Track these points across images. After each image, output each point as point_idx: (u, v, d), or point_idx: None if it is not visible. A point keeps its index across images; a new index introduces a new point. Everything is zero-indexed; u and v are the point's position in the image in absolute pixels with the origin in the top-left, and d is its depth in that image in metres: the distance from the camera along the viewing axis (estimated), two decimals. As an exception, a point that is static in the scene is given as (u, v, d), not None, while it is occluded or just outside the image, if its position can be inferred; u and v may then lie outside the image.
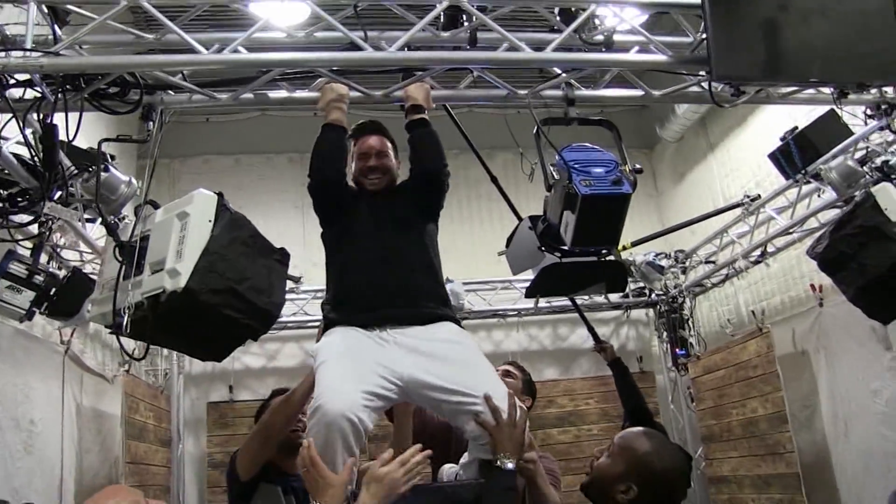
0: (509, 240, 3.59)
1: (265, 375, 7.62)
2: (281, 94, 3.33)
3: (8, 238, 3.47)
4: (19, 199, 3.27)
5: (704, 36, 3.16)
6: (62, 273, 4.06)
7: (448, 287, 3.16)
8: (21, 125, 2.91)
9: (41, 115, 2.93)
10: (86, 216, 3.63)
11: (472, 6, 3.24)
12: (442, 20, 3.32)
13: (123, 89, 3.03)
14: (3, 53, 2.74)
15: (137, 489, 1.87)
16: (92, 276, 4.22)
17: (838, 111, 4.31)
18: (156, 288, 2.51)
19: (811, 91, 3.77)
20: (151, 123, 3.08)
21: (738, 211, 6.38)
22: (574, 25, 3.27)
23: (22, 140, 3.01)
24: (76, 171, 3.34)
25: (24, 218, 3.40)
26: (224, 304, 2.56)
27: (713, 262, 7.12)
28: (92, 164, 3.33)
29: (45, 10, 2.95)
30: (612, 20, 3.43)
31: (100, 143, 3.10)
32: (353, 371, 2.44)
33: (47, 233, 3.73)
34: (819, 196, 5.36)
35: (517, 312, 7.88)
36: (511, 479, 2.36)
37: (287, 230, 6.77)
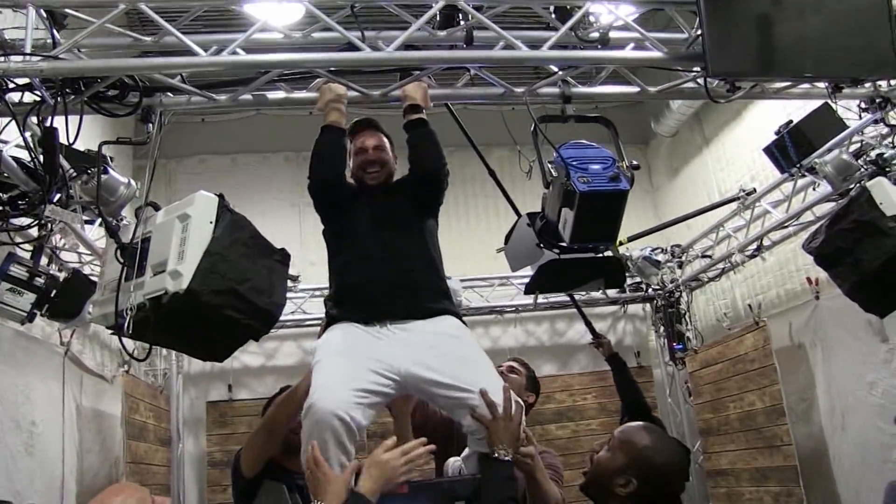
0: (508, 237, 3.60)
1: (264, 374, 7.64)
2: (279, 94, 3.34)
3: (8, 241, 3.48)
4: (20, 202, 3.27)
5: (699, 32, 3.18)
6: (62, 275, 4.07)
7: (447, 283, 3.18)
8: (21, 129, 2.92)
9: (40, 119, 2.94)
10: (84, 218, 3.64)
11: (469, 5, 3.25)
12: (438, 19, 3.33)
13: (122, 92, 3.04)
14: (2, 58, 2.75)
15: (143, 487, 1.89)
16: (91, 278, 4.23)
17: (833, 105, 4.33)
18: (158, 289, 2.53)
19: (806, 86, 3.79)
20: (151, 125, 3.09)
21: (733, 205, 6.41)
22: (570, 23, 3.28)
23: (20, 143, 3.02)
24: (75, 174, 3.35)
25: (24, 220, 3.41)
26: (225, 304, 2.58)
27: (709, 257, 7.14)
28: (90, 166, 3.34)
29: (44, 14, 2.95)
30: (608, 17, 3.44)
31: (100, 146, 3.11)
32: (347, 369, 2.46)
33: (47, 235, 3.73)
34: (814, 189, 5.38)
35: (515, 309, 7.89)
36: (509, 469, 2.40)
37: (284, 229, 6.79)
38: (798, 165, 4.94)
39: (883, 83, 3.85)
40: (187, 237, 2.56)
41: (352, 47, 3.13)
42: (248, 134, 7.92)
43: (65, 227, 3.86)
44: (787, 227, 5.87)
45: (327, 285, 2.92)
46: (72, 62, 2.90)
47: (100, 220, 3.35)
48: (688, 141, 8.18)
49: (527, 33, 3.42)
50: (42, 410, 4.66)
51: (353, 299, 2.71)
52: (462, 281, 7.02)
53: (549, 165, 3.08)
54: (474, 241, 7.62)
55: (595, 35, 3.37)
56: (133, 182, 3.63)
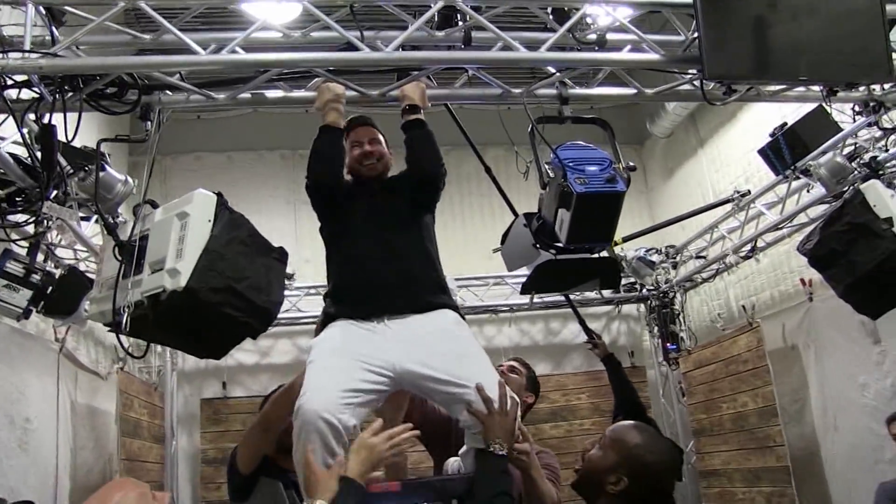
0: (504, 237, 3.61)
1: (258, 372, 7.65)
2: (278, 93, 3.35)
3: (4, 237, 3.48)
4: (17, 199, 3.27)
5: (696, 35, 3.19)
6: (58, 271, 4.07)
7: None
8: (19, 125, 2.92)
9: (38, 116, 2.95)
10: (80, 215, 3.64)
11: (467, 6, 3.26)
12: (436, 20, 3.34)
13: (121, 89, 3.04)
14: (1, 55, 2.75)
15: (144, 483, 1.91)
16: (87, 275, 4.23)
17: (827, 108, 4.36)
18: (156, 287, 2.54)
19: (801, 89, 3.81)
20: (149, 123, 3.09)
21: (728, 206, 6.44)
22: (568, 25, 3.30)
23: (18, 140, 3.02)
24: (72, 171, 3.35)
25: (20, 217, 3.41)
26: (223, 302, 2.58)
27: (704, 258, 7.18)
28: (87, 163, 3.34)
29: (43, 12, 2.95)
30: (605, 19, 3.46)
31: (98, 143, 3.12)
32: (338, 370, 2.47)
33: (44, 231, 3.73)
34: (808, 192, 5.41)
35: (509, 308, 7.91)
36: (503, 464, 2.42)
37: (279, 227, 6.81)
38: (792, 167, 4.97)
39: (877, 87, 3.86)
40: (186, 235, 2.56)
41: (350, 47, 3.14)
42: (244, 131, 7.92)
43: (61, 223, 3.86)
44: (781, 228, 5.91)
45: (322, 283, 2.94)
46: (71, 59, 2.90)
47: (96, 216, 3.35)
48: (683, 142, 8.21)
49: (525, 34, 3.43)
50: (36, 407, 4.66)
51: (350, 296, 2.72)
52: (457, 280, 7.03)
53: (546, 166, 3.09)
54: (469, 241, 7.63)
55: (592, 37, 3.39)
56: (130, 179, 3.64)
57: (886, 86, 3.82)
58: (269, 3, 3.35)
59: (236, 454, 2.98)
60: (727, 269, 6.94)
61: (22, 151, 3.16)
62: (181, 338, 2.91)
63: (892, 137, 4.54)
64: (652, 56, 3.38)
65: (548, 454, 3.11)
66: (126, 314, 2.57)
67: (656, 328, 8.03)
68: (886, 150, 4.51)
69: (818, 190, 5.04)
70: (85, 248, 4.64)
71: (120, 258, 2.71)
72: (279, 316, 3.00)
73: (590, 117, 3.51)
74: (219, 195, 2.68)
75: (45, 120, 2.96)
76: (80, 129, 3.04)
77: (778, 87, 3.77)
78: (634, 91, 3.67)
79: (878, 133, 4.45)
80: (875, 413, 5.28)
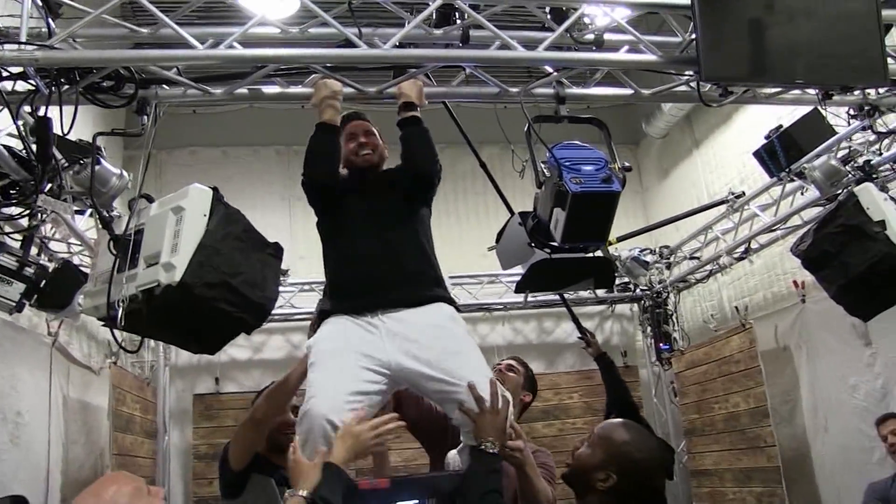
0: (499, 235, 3.62)
1: (251, 368, 7.65)
2: (275, 89, 3.34)
3: (-2, 230, 3.48)
4: (11, 192, 3.26)
5: (693, 36, 3.20)
6: (52, 265, 4.06)
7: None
8: (14, 117, 2.91)
9: (34, 108, 2.93)
10: (75, 208, 3.63)
11: (465, 4, 3.26)
12: (435, 17, 3.34)
13: (118, 83, 3.02)
14: (-2, 46, 2.74)
15: (138, 477, 1.91)
16: (81, 269, 4.22)
17: (822, 111, 4.37)
18: (151, 281, 2.52)
19: (797, 92, 3.82)
20: (146, 117, 3.08)
21: (722, 208, 6.47)
22: (566, 25, 3.30)
23: (13, 132, 3.00)
24: (67, 164, 3.34)
25: (14, 210, 3.40)
26: (218, 297, 2.57)
27: (697, 258, 7.20)
28: (82, 156, 3.33)
29: (40, 3, 2.94)
30: (603, 19, 3.46)
31: (95, 137, 3.11)
32: (339, 372, 2.49)
33: (38, 225, 3.72)
34: (802, 194, 5.44)
35: (503, 306, 7.92)
36: (494, 462, 2.42)
37: (274, 222, 6.79)
38: (787, 170, 4.98)
39: (872, 91, 3.88)
40: (181, 230, 2.55)
41: (348, 44, 3.13)
42: (240, 126, 7.91)
43: (56, 217, 3.85)
44: (774, 230, 5.93)
45: (317, 280, 2.95)
46: (67, 52, 2.88)
47: (91, 210, 3.34)
48: (678, 143, 8.23)
49: (522, 34, 3.43)
50: (28, 401, 4.65)
51: (347, 292, 2.73)
52: (451, 278, 6.99)
53: (542, 165, 3.09)
54: (463, 238, 7.65)
55: (590, 37, 3.39)
56: (125, 173, 3.62)
57: (881, 90, 3.83)
58: (266, -2, 3.35)
59: (228, 450, 2.98)
60: (721, 270, 6.96)
61: (17, 144, 3.14)
62: (175, 332, 2.89)
63: (886, 141, 4.57)
64: (649, 57, 3.39)
65: (543, 453, 3.12)
66: (120, 308, 2.57)
67: (649, 328, 8.06)
68: (880, 154, 4.53)
69: (812, 192, 5.05)
70: (79, 242, 4.62)
71: (115, 252, 2.70)
72: (273, 312, 3.00)
73: (586, 117, 3.51)
74: (215, 190, 2.68)
75: (41, 113, 2.95)
76: (76, 122, 3.03)
77: (774, 89, 3.78)
78: (631, 91, 3.67)
79: (873, 137, 4.47)
80: (865, 414, 5.31)
